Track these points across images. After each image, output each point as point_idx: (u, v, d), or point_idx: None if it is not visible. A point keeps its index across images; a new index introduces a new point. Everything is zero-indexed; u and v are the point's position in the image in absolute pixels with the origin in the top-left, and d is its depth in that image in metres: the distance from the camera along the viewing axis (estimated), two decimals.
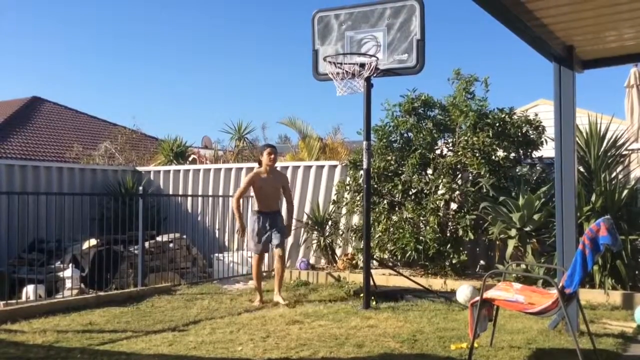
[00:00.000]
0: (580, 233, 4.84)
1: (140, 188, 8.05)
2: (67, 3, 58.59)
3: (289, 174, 9.69)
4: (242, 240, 7.00)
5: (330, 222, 8.89)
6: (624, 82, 10.55)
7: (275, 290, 6.82)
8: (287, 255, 9.44)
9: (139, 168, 11.99)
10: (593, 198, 6.74)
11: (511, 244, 7.07)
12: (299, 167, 9.78)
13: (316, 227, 8.85)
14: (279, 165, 10.24)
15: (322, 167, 9.54)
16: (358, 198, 8.28)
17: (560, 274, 4.92)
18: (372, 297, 6.47)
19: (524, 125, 7.84)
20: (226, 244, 10.04)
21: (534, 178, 7.80)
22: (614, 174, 7.19)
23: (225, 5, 67.75)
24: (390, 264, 8.13)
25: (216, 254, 9.34)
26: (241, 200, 7.15)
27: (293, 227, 9.38)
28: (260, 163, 7.01)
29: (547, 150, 7.64)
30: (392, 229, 7.82)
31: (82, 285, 7.77)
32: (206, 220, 10.37)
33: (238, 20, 69.53)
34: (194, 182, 10.89)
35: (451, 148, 8.10)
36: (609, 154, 7.26)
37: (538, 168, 8.06)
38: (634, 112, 10.34)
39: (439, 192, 7.78)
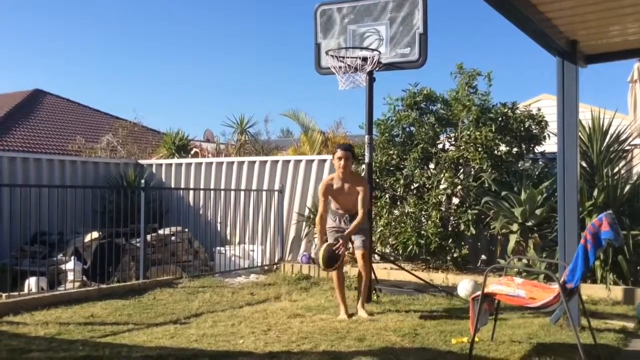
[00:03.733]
0: (582, 228, 4.84)
1: (142, 181, 8.04)
2: None
3: (290, 167, 9.68)
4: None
5: None
6: (627, 77, 10.50)
7: (358, 300, 5.78)
8: (289, 249, 9.47)
9: (141, 161, 11.99)
10: (595, 193, 6.73)
11: (513, 238, 7.07)
12: (301, 160, 9.77)
13: None
14: (280, 158, 10.26)
15: (324, 161, 9.53)
16: None
17: (561, 268, 4.91)
18: (374, 291, 6.47)
19: (526, 120, 7.83)
20: (228, 237, 10.05)
21: (536, 173, 7.79)
22: (616, 169, 7.18)
23: None
24: (391, 258, 8.14)
25: (218, 248, 9.35)
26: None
27: (293, 222, 9.44)
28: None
29: (550, 145, 7.62)
30: (393, 223, 7.82)
31: (84, 278, 7.79)
32: (208, 213, 10.37)
33: (239, 14, 69.37)
34: (196, 176, 10.89)
35: (453, 142, 8.09)
36: (611, 149, 7.25)
37: (540, 163, 8.06)
38: (637, 107, 10.29)
39: (441, 186, 7.77)
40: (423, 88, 8.25)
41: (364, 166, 7.22)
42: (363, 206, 5.68)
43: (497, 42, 64.95)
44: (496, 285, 4.32)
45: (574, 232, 5.15)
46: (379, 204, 8.00)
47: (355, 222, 5.62)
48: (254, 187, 10.04)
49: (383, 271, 7.62)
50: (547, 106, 9.53)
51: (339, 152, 5.71)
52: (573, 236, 5.11)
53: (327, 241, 5.66)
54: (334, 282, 5.85)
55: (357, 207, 5.66)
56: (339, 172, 5.72)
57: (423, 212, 7.71)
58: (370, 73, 6.44)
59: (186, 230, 9.31)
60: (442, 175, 7.70)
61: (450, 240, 7.62)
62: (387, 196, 8.15)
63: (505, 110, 7.81)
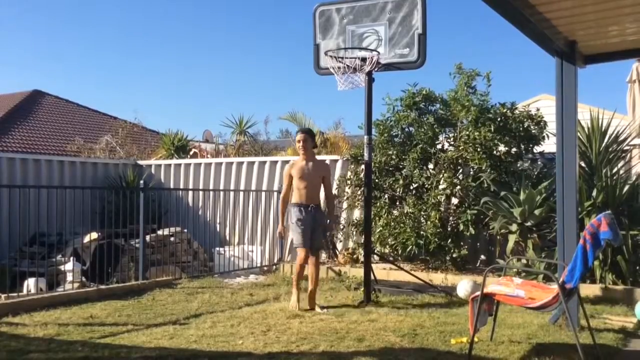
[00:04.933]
0: (581, 228, 4.84)
1: (141, 182, 8.04)
2: None
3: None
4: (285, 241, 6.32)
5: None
6: (626, 77, 10.52)
7: (311, 296, 6.14)
8: (288, 250, 9.47)
9: (140, 162, 12.00)
10: (594, 193, 6.74)
11: (512, 238, 7.07)
12: None
13: None
14: (280, 159, 10.26)
15: (324, 161, 9.53)
16: (359, 192, 8.28)
17: (561, 269, 4.91)
18: (373, 292, 6.48)
19: (525, 120, 7.83)
20: (227, 237, 10.05)
21: (535, 173, 7.80)
22: (615, 170, 7.18)
23: (227, 0, 67.65)
24: (391, 258, 8.14)
25: (217, 248, 9.35)
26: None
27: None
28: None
29: (549, 145, 7.63)
30: (393, 224, 7.82)
31: (83, 279, 7.80)
32: (207, 214, 10.38)
33: (240, 15, 69.37)
34: (195, 176, 10.90)
35: (452, 143, 8.09)
36: (610, 149, 7.25)
37: (539, 163, 8.06)
38: (636, 107, 10.31)
39: (440, 186, 7.77)
40: (422, 88, 8.26)
41: (362, 166, 7.23)
42: (330, 191, 6.40)
43: (496, 42, 64.94)
44: (495, 285, 4.32)
45: (573, 232, 5.15)
46: (378, 204, 8.00)
47: (330, 207, 6.44)
48: (253, 187, 10.04)
49: (382, 271, 7.62)
50: (546, 106, 9.52)
51: (298, 135, 6.28)
52: (572, 236, 5.12)
53: (301, 228, 5.98)
54: (295, 271, 6.24)
55: (317, 191, 6.17)
56: (300, 153, 6.23)
57: (422, 213, 7.71)
58: (369, 73, 6.44)
59: (185, 230, 9.32)
60: (441, 176, 7.70)
61: (450, 240, 7.62)
62: (386, 196, 8.15)
63: (504, 110, 7.81)
